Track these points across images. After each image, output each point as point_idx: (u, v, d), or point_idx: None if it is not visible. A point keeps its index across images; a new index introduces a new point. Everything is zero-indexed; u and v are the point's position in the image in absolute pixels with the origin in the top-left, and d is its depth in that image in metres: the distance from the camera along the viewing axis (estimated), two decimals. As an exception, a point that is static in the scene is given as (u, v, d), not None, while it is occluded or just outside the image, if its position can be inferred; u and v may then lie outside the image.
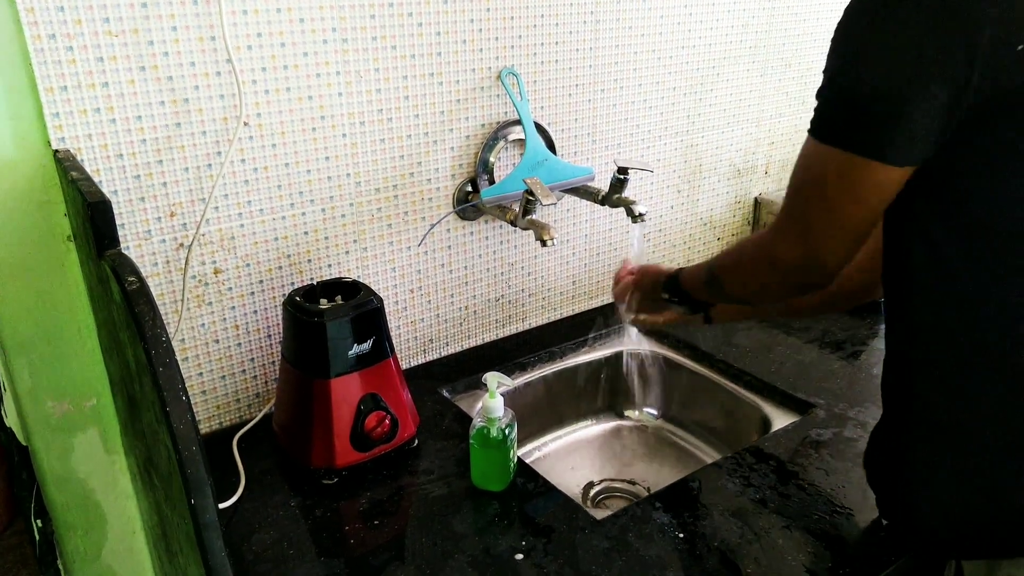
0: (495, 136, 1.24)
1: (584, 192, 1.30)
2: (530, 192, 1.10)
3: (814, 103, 0.74)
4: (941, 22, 0.62)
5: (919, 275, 0.75)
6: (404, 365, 1.29)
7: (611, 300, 1.26)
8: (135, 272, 0.64)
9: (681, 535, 0.91)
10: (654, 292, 1.09)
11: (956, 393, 0.76)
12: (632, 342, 1.41)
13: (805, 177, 0.75)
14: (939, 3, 0.62)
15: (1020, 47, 0.61)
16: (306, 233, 1.12)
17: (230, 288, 1.08)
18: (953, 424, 0.77)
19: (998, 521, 0.76)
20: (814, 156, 0.73)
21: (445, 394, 1.23)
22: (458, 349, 1.36)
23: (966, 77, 0.63)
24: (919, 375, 0.80)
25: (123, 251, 0.69)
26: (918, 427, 0.81)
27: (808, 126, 0.74)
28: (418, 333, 1.30)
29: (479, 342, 1.39)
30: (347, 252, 1.17)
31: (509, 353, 1.36)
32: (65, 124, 0.90)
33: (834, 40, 0.70)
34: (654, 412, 1.43)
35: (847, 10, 0.69)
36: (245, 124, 1.02)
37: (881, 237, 0.80)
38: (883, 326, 0.84)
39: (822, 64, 0.73)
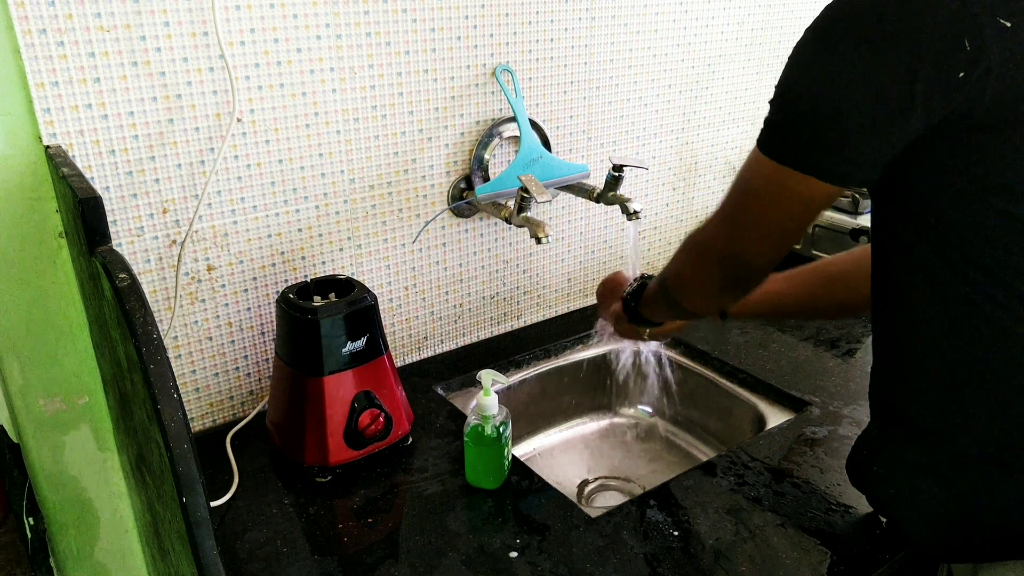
0: (490, 133, 1.24)
1: (579, 189, 1.30)
2: (525, 189, 1.10)
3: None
4: (885, 52, 0.64)
5: (904, 283, 0.75)
6: (398, 362, 1.29)
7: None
8: (126, 269, 0.64)
9: (675, 533, 0.91)
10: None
11: (943, 400, 0.76)
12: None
13: (744, 185, 0.77)
14: (884, 33, 0.64)
15: (962, 74, 0.61)
16: (300, 230, 1.11)
17: (223, 285, 1.08)
18: (940, 431, 0.77)
19: (983, 526, 0.76)
20: (755, 167, 0.75)
21: (439, 392, 1.23)
22: (453, 347, 1.36)
23: (908, 106, 0.64)
24: (906, 383, 0.80)
25: (115, 248, 0.69)
26: (905, 434, 0.81)
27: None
28: (412, 330, 1.30)
29: (474, 340, 1.38)
30: (341, 249, 1.16)
31: (504, 351, 1.35)
32: (56, 120, 0.89)
33: (790, 57, 0.71)
34: (649, 410, 1.43)
35: (807, 30, 0.70)
36: (238, 120, 1.01)
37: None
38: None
39: None
